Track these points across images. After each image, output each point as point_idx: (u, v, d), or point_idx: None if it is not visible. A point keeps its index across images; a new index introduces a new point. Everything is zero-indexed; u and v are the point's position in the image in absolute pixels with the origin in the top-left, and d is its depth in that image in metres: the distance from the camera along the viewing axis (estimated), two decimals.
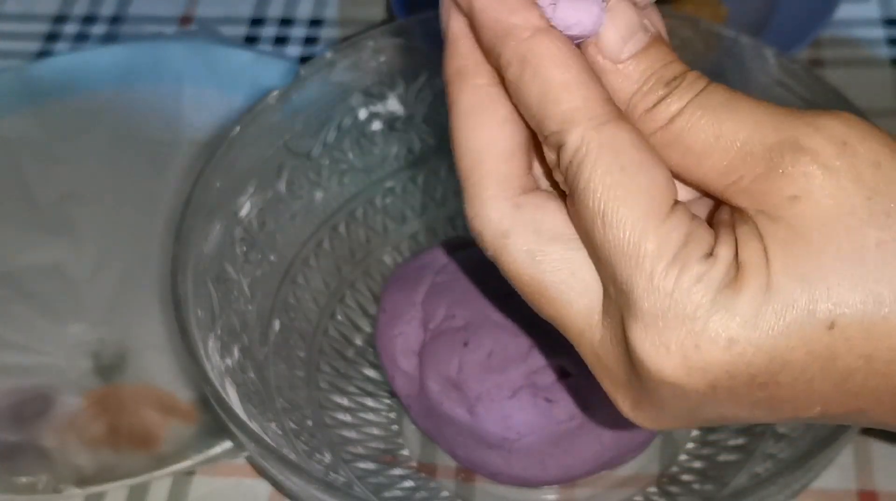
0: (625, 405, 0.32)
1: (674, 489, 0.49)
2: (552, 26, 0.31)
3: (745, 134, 0.29)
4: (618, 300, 0.30)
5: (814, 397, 0.29)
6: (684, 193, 0.32)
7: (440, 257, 0.53)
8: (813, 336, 0.28)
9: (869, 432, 0.51)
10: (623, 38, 0.31)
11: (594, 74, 0.31)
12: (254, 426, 0.43)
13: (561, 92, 0.30)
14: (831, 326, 0.28)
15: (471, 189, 0.32)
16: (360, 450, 0.51)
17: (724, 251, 0.29)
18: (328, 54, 0.53)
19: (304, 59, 0.70)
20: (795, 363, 0.28)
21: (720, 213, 0.31)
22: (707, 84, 0.30)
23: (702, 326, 0.28)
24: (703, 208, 0.32)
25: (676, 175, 0.31)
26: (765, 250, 0.28)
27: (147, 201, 0.63)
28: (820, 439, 0.42)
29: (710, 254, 0.29)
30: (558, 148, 0.30)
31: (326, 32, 0.75)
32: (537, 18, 0.30)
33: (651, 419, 0.32)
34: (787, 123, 0.29)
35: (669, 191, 0.30)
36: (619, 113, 0.30)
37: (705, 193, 0.32)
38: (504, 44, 0.30)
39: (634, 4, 0.31)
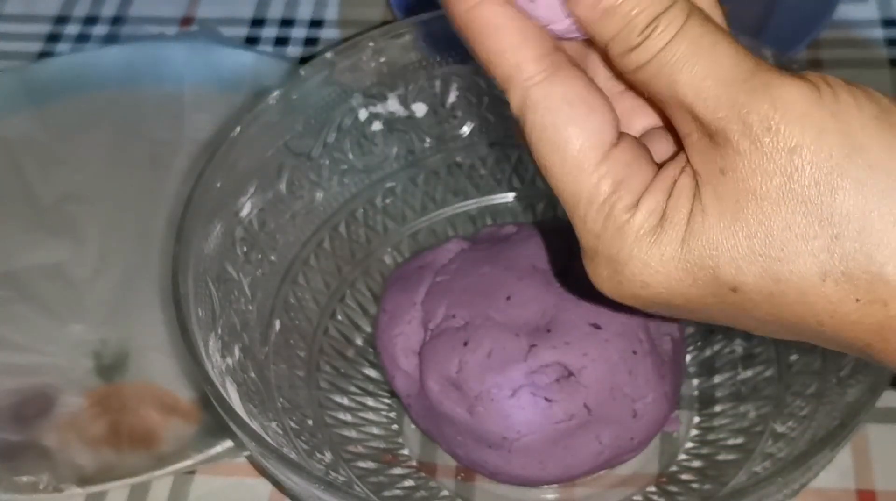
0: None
1: (673, 488, 0.49)
2: None
3: (693, 96, 0.31)
4: None
5: (745, 325, 0.33)
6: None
7: (440, 257, 0.53)
8: (719, 292, 0.31)
9: (868, 429, 0.51)
10: None
11: (531, 32, 0.32)
12: (254, 425, 0.43)
13: (495, 57, 0.32)
14: (734, 289, 0.31)
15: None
16: (360, 449, 0.51)
17: (651, 202, 0.32)
18: (328, 55, 0.53)
19: (304, 60, 0.70)
20: (712, 308, 0.32)
21: (679, 156, 0.33)
22: (677, 31, 0.31)
23: (622, 268, 0.32)
24: None
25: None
26: (690, 209, 0.31)
27: (148, 201, 0.63)
28: (819, 438, 0.42)
29: (636, 204, 0.32)
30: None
31: (326, 33, 0.75)
32: None
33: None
34: (735, 89, 0.31)
35: (604, 135, 0.32)
36: (554, 65, 0.32)
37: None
38: (451, 6, 0.33)
39: None
